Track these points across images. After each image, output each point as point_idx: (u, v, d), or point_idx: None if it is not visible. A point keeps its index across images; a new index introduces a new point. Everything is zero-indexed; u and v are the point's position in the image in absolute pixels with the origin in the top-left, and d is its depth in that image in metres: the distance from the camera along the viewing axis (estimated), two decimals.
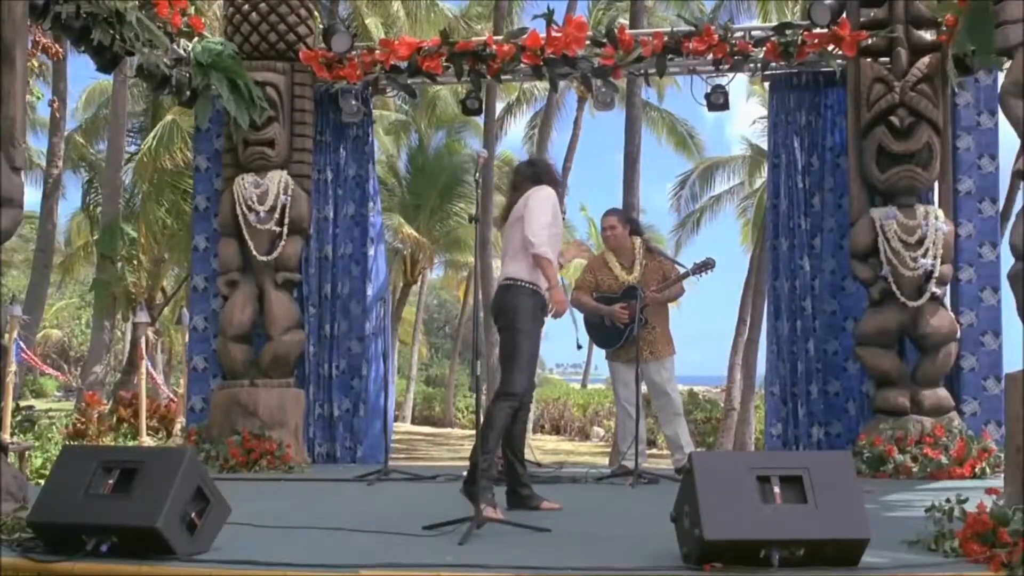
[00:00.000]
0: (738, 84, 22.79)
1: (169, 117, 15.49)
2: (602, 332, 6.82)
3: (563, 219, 5.30)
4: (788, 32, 7.33)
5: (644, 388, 6.79)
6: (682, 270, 6.82)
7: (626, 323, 6.61)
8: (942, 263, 6.84)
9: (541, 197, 5.05)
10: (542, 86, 18.46)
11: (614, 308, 6.65)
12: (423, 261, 24.59)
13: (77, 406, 11.27)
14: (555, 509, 5.00)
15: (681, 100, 9.24)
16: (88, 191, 19.20)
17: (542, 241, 4.90)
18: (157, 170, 15.74)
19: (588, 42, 7.49)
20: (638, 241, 6.88)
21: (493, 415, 4.86)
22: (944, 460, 6.37)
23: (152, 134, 15.78)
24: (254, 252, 7.52)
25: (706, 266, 6.69)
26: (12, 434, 8.49)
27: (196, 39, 7.26)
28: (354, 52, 7.76)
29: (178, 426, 10.30)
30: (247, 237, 7.53)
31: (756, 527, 3.44)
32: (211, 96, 7.48)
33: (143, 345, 10.35)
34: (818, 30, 7.16)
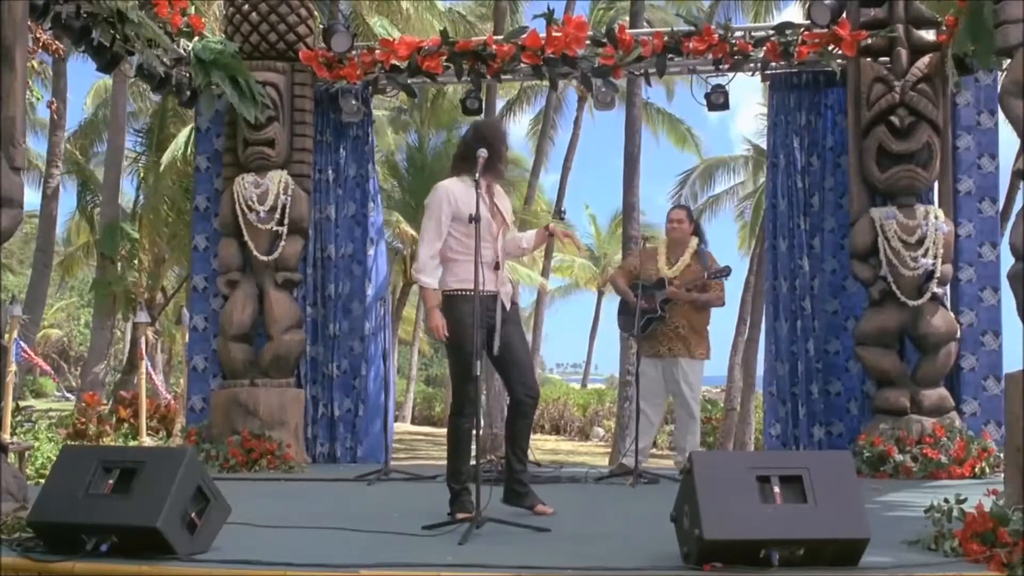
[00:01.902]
0: (749, 83, 22.78)
1: None
2: (625, 315, 6.99)
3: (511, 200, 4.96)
4: (788, 32, 7.34)
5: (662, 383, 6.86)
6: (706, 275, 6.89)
7: (643, 311, 6.67)
8: (942, 263, 6.84)
9: (429, 207, 4.79)
10: (544, 84, 18.47)
11: (636, 299, 6.73)
12: None
13: (77, 406, 11.26)
14: (547, 514, 4.81)
15: (690, 97, 9.22)
16: (84, 192, 19.23)
17: (419, 268, 4.73)
18: (184, 174, 15.74)
19: (588, 42, 7.49)
20: (695, 241, 6.97)
21: (448, 435, 4.85)
22: (944, 460, 6.38)
23: (184, 136, 15.76)
24: (254, 252, 7.53)
25: (722, 273, 6.81)
26: (12, 434, 8.48)
27: (196, 39, 7.27)
28: (354, 52, 7.77)
29: (178, 426, 10.30)
30: (247, 237, 7.54)
31: (756, 527, 3.44)
32: (211, 96, 7.48)
33: (143, 345, 10.35)
34: (818, 30, 7.16)
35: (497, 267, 4.77)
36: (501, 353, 4.78)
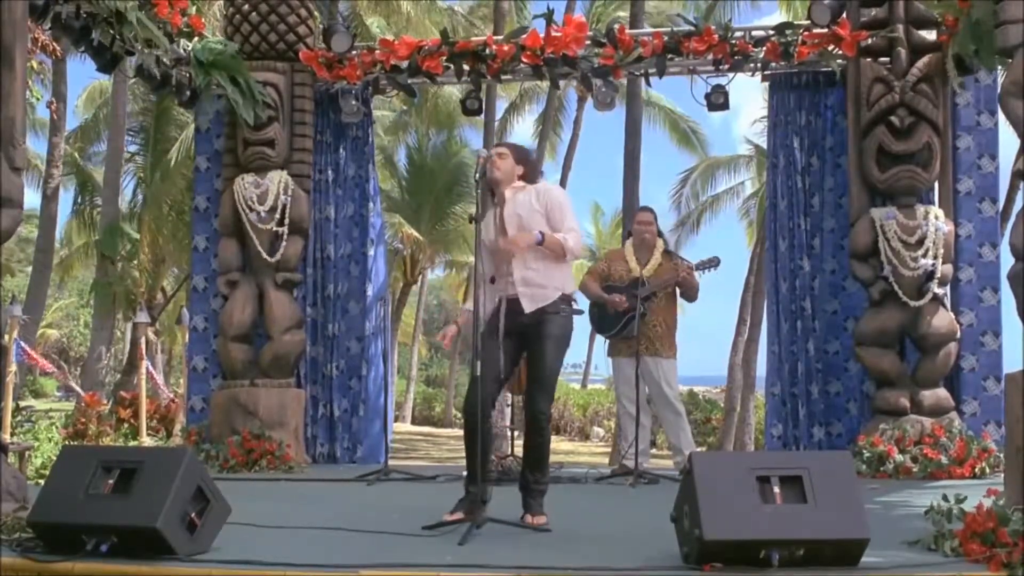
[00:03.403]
0: (750, 83, 22.68)
1: None
2: (602, 317, 6.96)
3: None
4: (788, 32, 7.34)
5: (645, 388, 6.84)
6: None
7: (624, 311, 6.72)
8: (942, 263, 6.84)
9: None
10: (544, 85, 18.45)
11: (613, 296, 6.79)
12: (423, 261, 24.56)
13: (77, 406, 11.26)
14: (534, 525, 4.52)
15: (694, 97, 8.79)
16: (81, 193, 19.21)
17: None
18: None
19: (588, 42, 7.49)
20: (660, 242, 7.05)
21: None
22: (944, 460, 6.38)
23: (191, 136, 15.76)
24: (255, 252, 7.52)
25: (711, 263, 6.85)
26: (12, 434, 8.48)
27: (196, 39, 7.26)
28: (354, 52, 7.76)
29: (178, 426, 10.30)
30: (247, 237, 7.54)
31: (756, 527, 3.44)
32: (212, 96, 7.48)
33: (143, 345, 10.34)
34: (818, 30, 7.16)
35: (492, 280, 4.73)
36: (527, 364, 4.75)
